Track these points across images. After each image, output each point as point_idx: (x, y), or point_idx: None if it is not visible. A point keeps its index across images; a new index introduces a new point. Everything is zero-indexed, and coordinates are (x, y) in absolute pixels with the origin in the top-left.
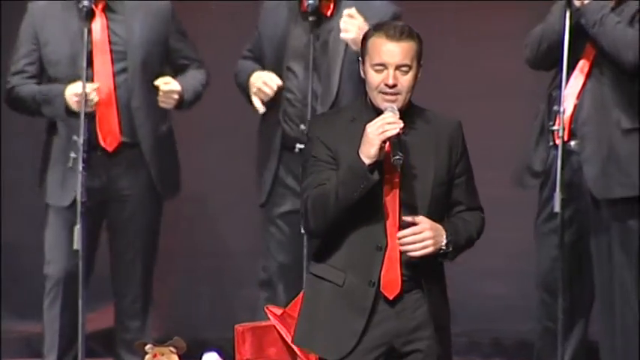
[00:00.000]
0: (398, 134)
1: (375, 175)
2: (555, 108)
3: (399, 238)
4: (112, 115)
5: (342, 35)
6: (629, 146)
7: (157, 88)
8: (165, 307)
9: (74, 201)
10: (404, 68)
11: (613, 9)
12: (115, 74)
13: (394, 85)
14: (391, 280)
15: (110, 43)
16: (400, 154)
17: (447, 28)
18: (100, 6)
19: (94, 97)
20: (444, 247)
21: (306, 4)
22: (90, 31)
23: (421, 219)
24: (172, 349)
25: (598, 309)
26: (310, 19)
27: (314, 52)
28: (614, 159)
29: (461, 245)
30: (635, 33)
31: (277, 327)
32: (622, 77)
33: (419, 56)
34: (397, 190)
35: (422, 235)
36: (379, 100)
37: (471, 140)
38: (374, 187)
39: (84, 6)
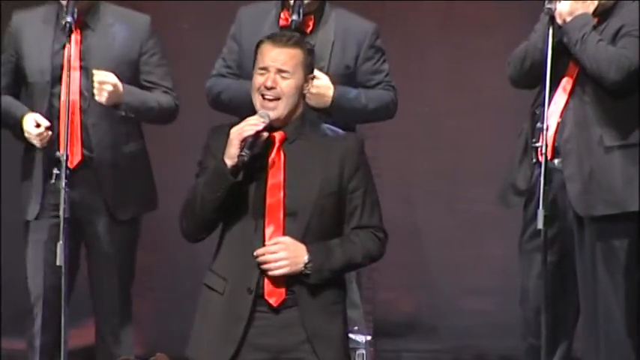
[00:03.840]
0: (256, 134)
1: (239, 177)
2: (539, 125)
3: (256, 257)
4: (75, 133)
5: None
6: (612, 164)
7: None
8: (149, 322)
9: (38, 215)
10: (284, 74)
11: (595, 27)
12: (82, 92)
13: (272, 88)
14: (274, 288)
15: (81, 59)
16: (247, 151)
17: (432, 45)
18: (78, 22)
19: (46, 135)
20: (303, 268)
21: (289, 21)
22: (64, 47)
23: (283, 239)
24: None
25: (582, 326)
26: None
27: None
28: (597, 177)
29: (333, 268)
30: (616, 51)
31: None
32: (604, 95)
33: (304, 66)
34: (281, 197)
35: (276, 256)
36: (258, 103)
37: (456, 156)
38: (256, 191)
39: (67, 22)
